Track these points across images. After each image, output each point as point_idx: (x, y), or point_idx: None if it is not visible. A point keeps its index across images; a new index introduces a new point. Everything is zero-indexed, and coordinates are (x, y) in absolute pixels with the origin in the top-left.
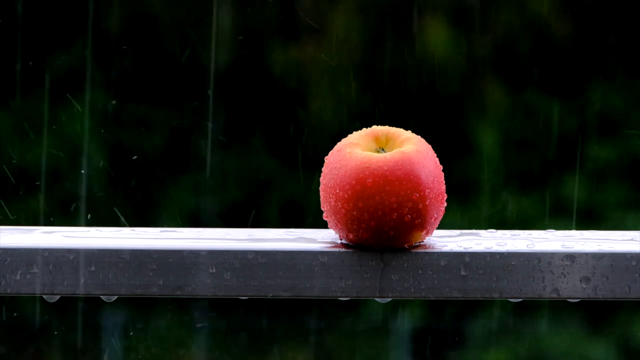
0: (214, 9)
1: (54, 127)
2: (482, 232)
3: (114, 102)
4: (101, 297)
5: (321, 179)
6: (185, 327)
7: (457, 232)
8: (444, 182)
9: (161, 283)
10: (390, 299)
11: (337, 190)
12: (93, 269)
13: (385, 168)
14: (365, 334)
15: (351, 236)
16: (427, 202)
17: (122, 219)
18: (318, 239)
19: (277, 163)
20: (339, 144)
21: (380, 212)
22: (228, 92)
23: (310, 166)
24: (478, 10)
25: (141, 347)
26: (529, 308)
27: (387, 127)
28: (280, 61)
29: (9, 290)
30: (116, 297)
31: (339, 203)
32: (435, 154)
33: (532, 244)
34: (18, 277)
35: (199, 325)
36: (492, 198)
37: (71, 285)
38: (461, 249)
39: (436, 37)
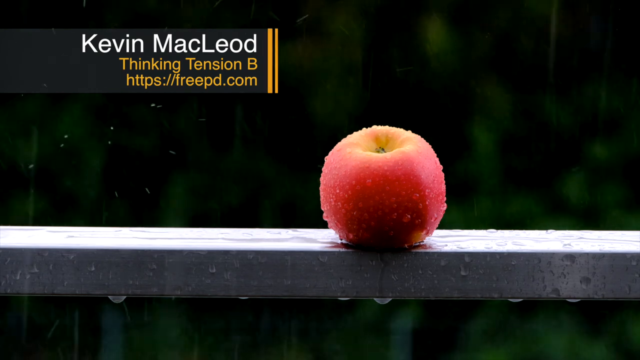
0: (214, 8)
1: (53, 126)
2: (482, 232)
3: (113, 101)
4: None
5: (321, 179)
6: (185, 327)
7: (457, 232)
8: (444, 182)
9: (161, 283)
10: (390, 299)
11: (337, 190)
12: (93, 269)
13: (385, 168)
14: (364, 334)
15: (351, 236)
16: (427, 202)
17: (122, 219)
18: (318, 239)
19: (276, 163)
20: (339, 144)
21: (380, 212)
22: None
23: (310, 166)
24: (478, 9)
25: (141, 347)
26: (528, 308)
27: (387, 127)
28: (280, 60)
29: (9, 290)
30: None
31: (339, 203)
32: (435, 154)
33: (532, 244)
34: (18, 277)
35: (198, 324)
36: (492, 198)
37: (71, 285)
38: (461, 249)
39: (436, 36)
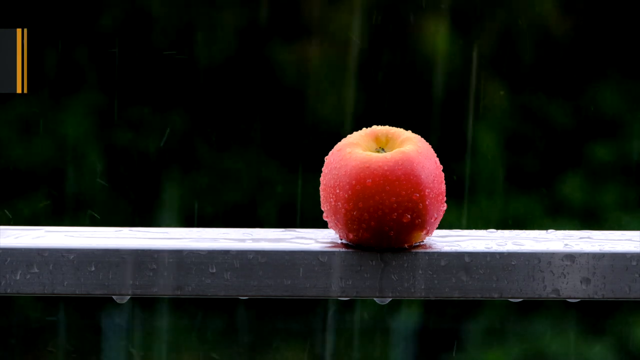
0: (214, 7)
1: (53, 126)
2: (482, 232)
3: (113, 102)
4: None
5: (321, 179)
6: (185, 326)
7: (457, 232)
8: (444, 182)
9: (161, 283)
10: (390, 299)
11: (337, 190)
12: (93, 269)
13: (386, 168)
14: (364, 334)
15: (351, 236)
16: (427, 202)
17: (122, 219)
18: (318, 239)
19: (276, 163)
20: (339, 144)
21: (380, 212)
22: (228, 91)
23: (310, 166)
24: (478, 10)
25: (141, 348)
26: (528, 308)
27: (387, 127)
28: (281, 60)
29: (9, 290)
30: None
31: (339, 203)
32: (435, 154)
33: (532, 244)
34: (18, 277)
35: (198, 324)
36: (492, 198)
37: (71, 285)
38: (461, 249)
39: (436, 36)
